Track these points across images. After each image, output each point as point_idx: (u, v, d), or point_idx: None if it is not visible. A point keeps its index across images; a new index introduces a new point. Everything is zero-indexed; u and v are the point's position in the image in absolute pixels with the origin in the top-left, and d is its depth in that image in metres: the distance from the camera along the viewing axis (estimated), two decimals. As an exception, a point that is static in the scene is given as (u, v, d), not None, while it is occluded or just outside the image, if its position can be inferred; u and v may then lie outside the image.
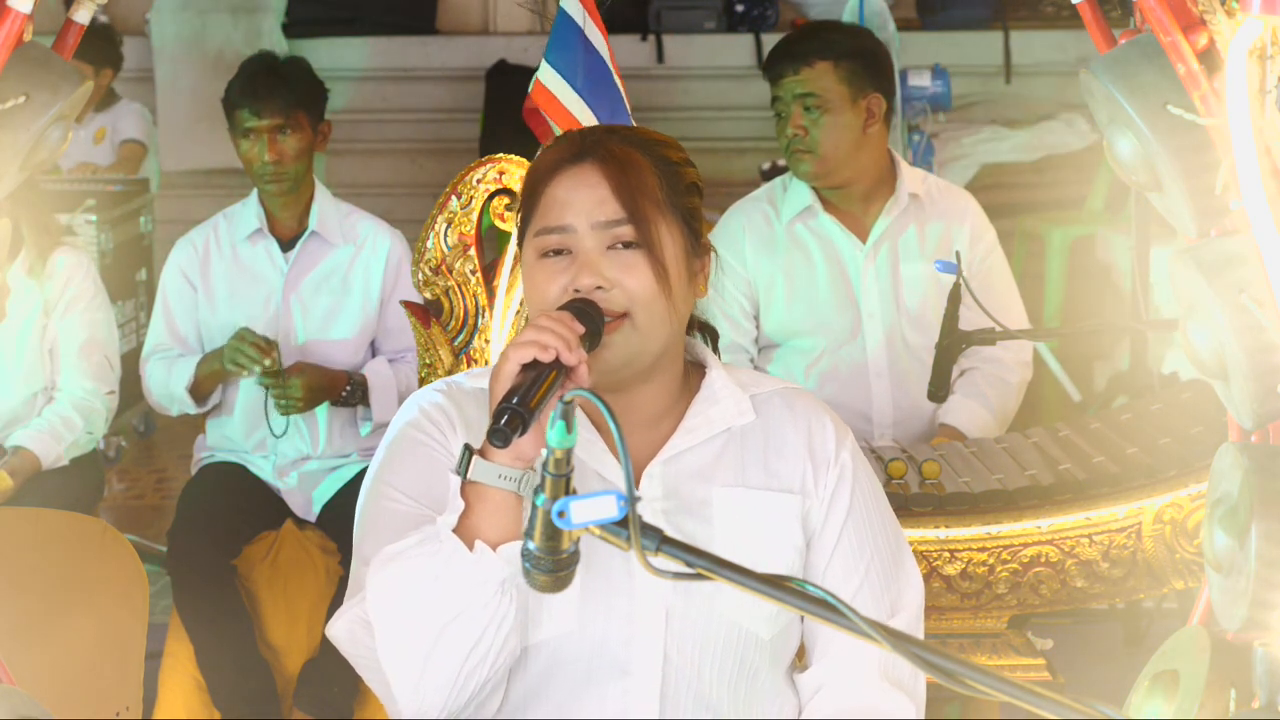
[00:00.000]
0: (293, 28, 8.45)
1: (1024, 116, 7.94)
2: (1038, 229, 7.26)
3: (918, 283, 3.79)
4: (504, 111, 8.02)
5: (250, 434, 4.18)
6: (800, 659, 2.19)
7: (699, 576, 1.60)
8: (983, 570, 3.00)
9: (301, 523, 4.13)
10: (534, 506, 1.72)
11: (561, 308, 1.99)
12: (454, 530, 1.92)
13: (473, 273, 3.02)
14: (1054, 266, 7.07)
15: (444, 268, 3.01)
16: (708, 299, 3.90)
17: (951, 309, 3.21)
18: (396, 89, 8.51)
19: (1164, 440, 3.14)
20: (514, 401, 1.85)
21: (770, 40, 7.47)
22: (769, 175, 6.67)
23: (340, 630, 2.00)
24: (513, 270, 2.99)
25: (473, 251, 3.01)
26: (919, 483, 3.07)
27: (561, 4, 3.27)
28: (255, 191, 4.21)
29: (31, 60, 2.13)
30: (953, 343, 3.21)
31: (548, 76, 3.20)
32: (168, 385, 4.15)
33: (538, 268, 2.07)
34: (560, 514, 1.58)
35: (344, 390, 4.12)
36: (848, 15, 5.83)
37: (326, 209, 4.22)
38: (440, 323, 3.03)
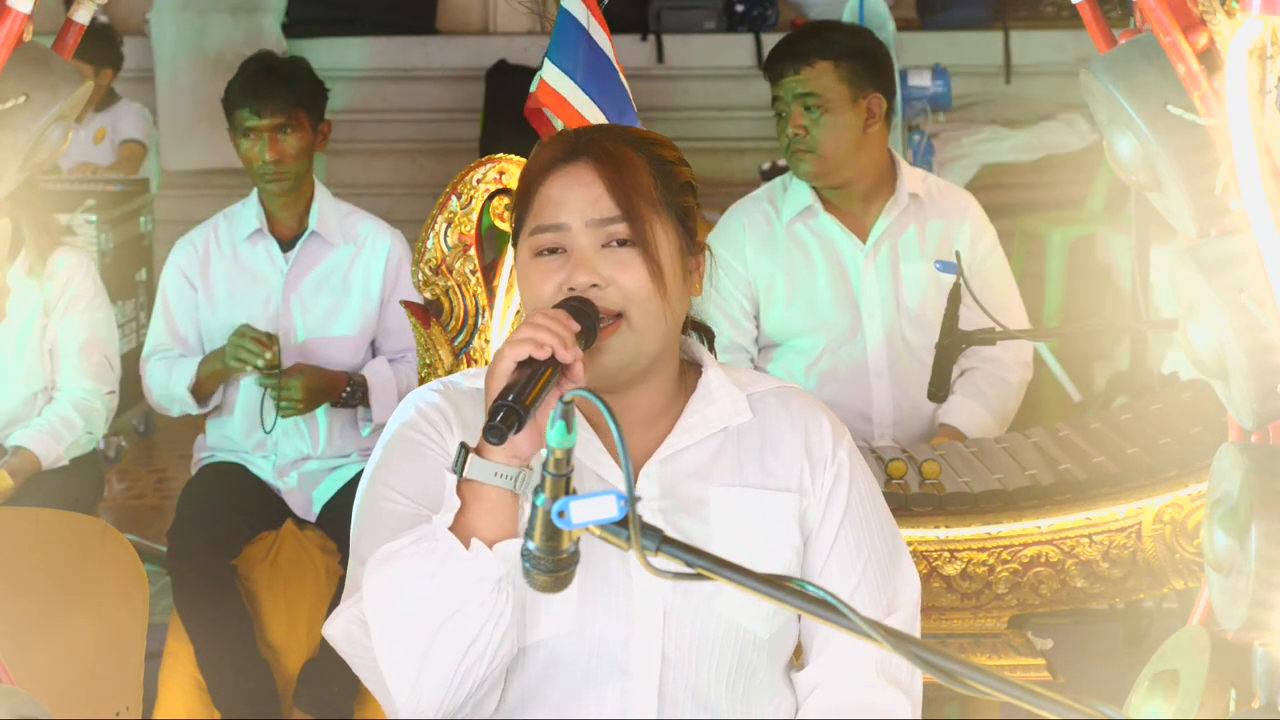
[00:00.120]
0: (293, 28, 8.45)
1: (1024, 116, 7.94)
2: (1038, 229, 7.26)
3: (918, 282, 3.79)
4: (504, 111, 8.02)
5: (250, 434, 4.18)
6: (798, 658, 2.19)
7: (699, 576, 1.60)
8: (983, 570, 3.00)
9: (301, 523, 4.13)
10: (534, 506, 1.72)
11: (557, 306, 1.99)
12: (450, 528, 1.92)
13: (473, 273, 3.02)
14: (1054, 266, 7.07)
15: (444, 268, 3.01)
16: (708, 299, 3.91)
17: (951, 309, 3.21)
18: (396, 89, 8.51)
19: (1164, 440, 3.14)
20: (510, 399, 1.85)
21: (770, 40, 7.47)
22: (769, 175, 6.68)
23: (337, 630, 2.00)
24: (513, 270, 2.99)
25: (473, 251, 3.01)
26: (919, 483, 3.07)
27: (563, 4, 3.27)
28: (255, 191, 4.21)
29: (31, 60, 2.13)
30: (953, 343, 3.21)
31: (553, 76, 3.19)
32: (168, 385, 4.15)
33: (532, 267, 2.07)
34: (560, 514, 1.58)
35: (344, 391, 4.12)
36: (848, 15, 5.83)
37: (326, 209, 4.22)
38: (440, 323, 3.03)
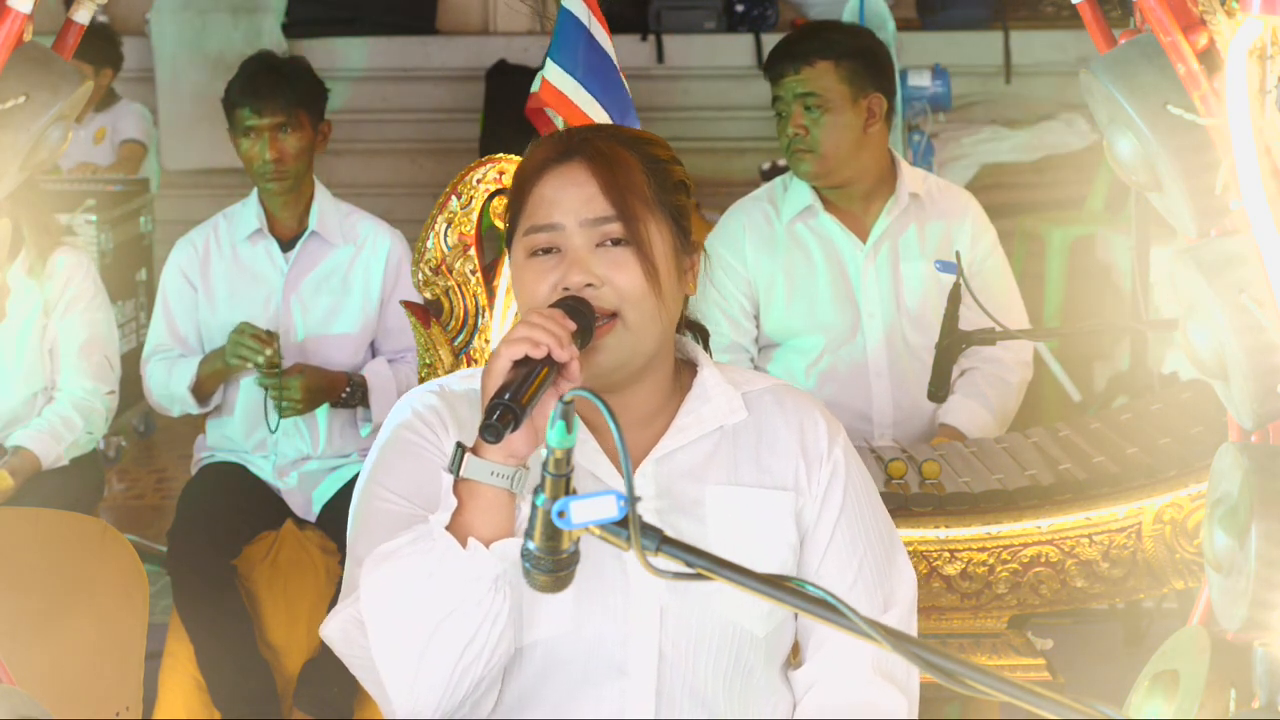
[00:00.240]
0: (293, 28, 8.45)
1: (1024, 116, 7.95)
2: (1038, 229, 7.26)
3: (918, 282, 3.79)
4: (504, 111, 8.02)
5: (250, 434, 4.18)
6: (795, 656, 2.19)
7: (699, 576, 1.60)
8: (983, 570, 3.00)
9: (301, 523, 4.13)
10: (534, 506, 1.72)
11: (553, 305, 1.99)
12: (447, 528, 1.92)
13: (473, 273, 3.02)
14: (1054, 266, 7.07)
15: (444, 268, 3.01)
16: (708, 298, 3.91)
17: (951, 309, 3.21)
18: (396, 89, 8.51)
19: (1164, 440, 3.14)
20: (506, 397, 1.85)
21: (770, 40, 7.47)
22: (769, 175, 6.67)
23: (334, 631, 2.00)
24: (513, 270, 2.99)
25: (473, 251, 3.01)
26: (919, 483, 3.07)
27: (564, 3, 3.27)
28: (255, 191, 4.21)
29: (31, 60, 2.13)
30: (953, 343, 3.21)
31: (555, 75, 3.19)
32: (169, 385, 4.15)
33: (527, 267, 2.07)
34: (560, 514, 1.58)
35: (344, 391, 4.12)
36: (848, 15, 5.83)
37: (326, 209, 4.22)
38: (440, 323, 3.03)
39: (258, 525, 4.08)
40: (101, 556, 2.91)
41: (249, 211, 4.21)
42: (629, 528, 1.57)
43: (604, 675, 2.05)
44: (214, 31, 8.30)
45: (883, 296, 3.80)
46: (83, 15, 2.22)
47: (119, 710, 2.82)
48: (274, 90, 4.10)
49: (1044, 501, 3.02)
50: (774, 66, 3.81)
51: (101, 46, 6.91)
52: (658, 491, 2.08)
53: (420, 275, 3.03)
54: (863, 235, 3.83)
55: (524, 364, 1.89)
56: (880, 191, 3.84)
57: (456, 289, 3.01)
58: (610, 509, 1.56)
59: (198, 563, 3.94)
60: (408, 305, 3.08)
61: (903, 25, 7.27)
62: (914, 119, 6.58)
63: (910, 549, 2.95)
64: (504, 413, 1.84)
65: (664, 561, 1.60)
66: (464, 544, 1.91)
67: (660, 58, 8.41)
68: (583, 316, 1.98)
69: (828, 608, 1.54)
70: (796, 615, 2.13)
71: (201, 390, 4.14)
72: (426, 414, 2.10)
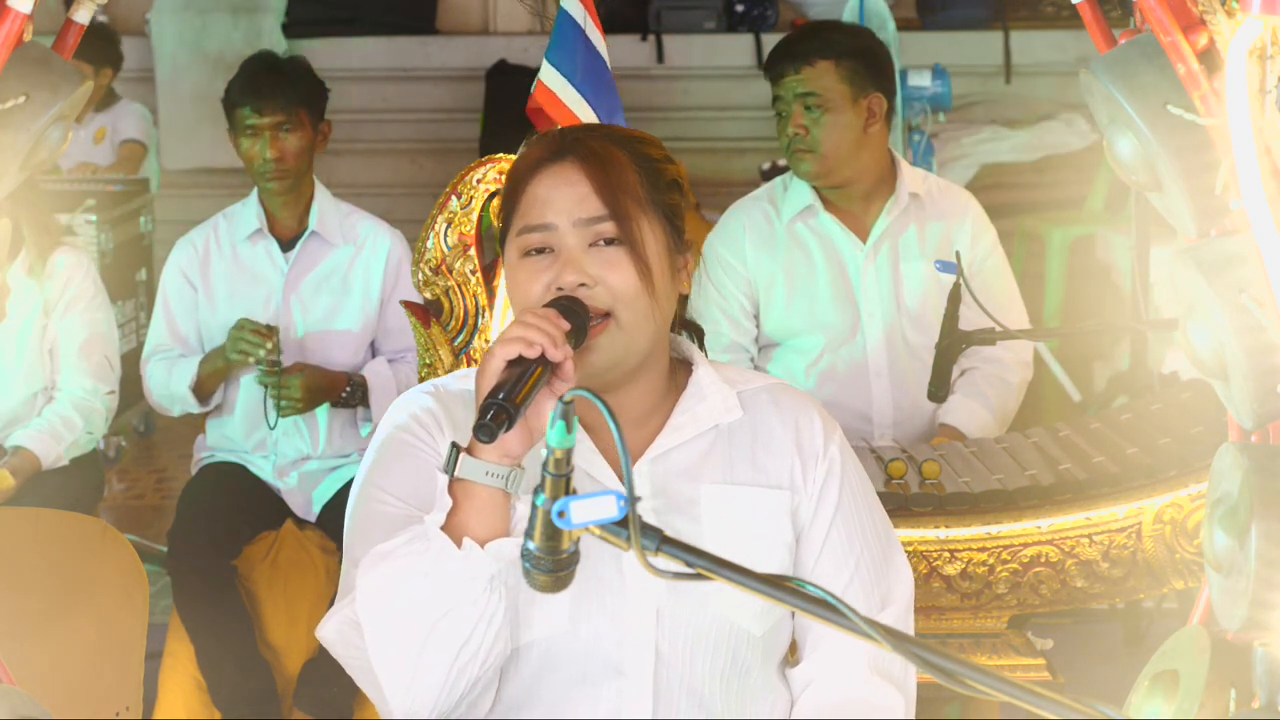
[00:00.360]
0: (293, 28, 8.45)
1: (1024, 116, 7.95)
2: (1038, 229, 7.26)
3: (918, 282, 3.79)
4: (504, 111, 8.02)
5: (250, 434, 4.18)
6: (793, 654, 2.19)
7: (699, 576, 1.60)
8: (983, 570, 3.00)
9: (301, 523, 4.13)
10: (534, 506, 1.72)
11: (547, 305, 1.99)
12: (442, 528, 1.92)
13: (473, 273, 3.02)
14: (1054, 266, 7.07)
15: (444, 268, 3.01)
16: (708, 298, 3.91)
17: (951, 309, 3.21)
18: (396, 89, 8.51)
19: (1164, 440, 3.14)
20: (500, 397, 1.85)
21: (770, 40, 7.47)
22: (769, 175, 6.67)
23: (330, 632, 2.00)
24: (513, 270, 2.98)
25: (473, 251, 3.01)
26: (919, 483, 3.07)
27: (562, 4, 3.27)
28: (255, 191, 4.21)
29: (31, 60, 2.13)
30: (953, 343, 3.21)
31: (550, 76, 3.20)
32: (169, 385, 4.15)
33: (521, 267, 2.07)
34: (560, 514, 1.58)
35: (344, 391, 4.12)
36: (848, 15, 5.84)
37: (326, 209, 4.22)
38: (440, 323, 3.03)
39: (258, 525, 4.09)
40: (101, 556, 2.91)
41: (249, 211, 4.22)
42: (629, 528, 1.57)
43: (601, 675, 2.05)
44: (214, 31, 8.30)
45: (883, 296, 3.80)
46: (83, 15, 2.22)
47: (119, 710, 2.82)
48: (275, 89, 4.10)
49: (1044, 501, 3.02)
50: (774, 66, 3.81)
51: (101, 46, 6.91)
52: (653, 491, 2.08)
53: (420, 275, 3.03)
54: (863, 235, 3.83)
55: (518, 364, 1.90)
56: (880, 191, 3.84)
57: (456, 289, 3.01)
58: (610, 509, 1.56)
59: (198, 563, 3.94)
60: (408, 305, 3.07)
61: (903, 25, 7.27)
62: (914, 119, 6.58)
63: (910, 549, 2.96)
64: (498, 412, 1.84)
65: (664, 561, 1.60)
66: (459, 544, 1.91)
67: (660, 58, 8.41)
68: (577, 316, 1.98)
69: (828, 608, 1.54)
70: (794, 614, 2.13)
71: (202, 389, 4.14)
72: (422, 415, 2.10)
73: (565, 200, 2.05)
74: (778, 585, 1.57)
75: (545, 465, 1.69)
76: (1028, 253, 7.19)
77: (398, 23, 8.62)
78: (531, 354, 1.90)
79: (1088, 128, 7.72)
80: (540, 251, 2.06)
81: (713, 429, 2.13)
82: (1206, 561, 2.12)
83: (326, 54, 7.92)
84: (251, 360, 4.02)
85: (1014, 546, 3.00)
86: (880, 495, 2.23)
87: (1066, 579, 3.00)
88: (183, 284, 4.21)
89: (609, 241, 2.04)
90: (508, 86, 8.11)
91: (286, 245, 4.20)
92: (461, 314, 3.02)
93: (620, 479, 2.08)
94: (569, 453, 1.69)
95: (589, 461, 2.08)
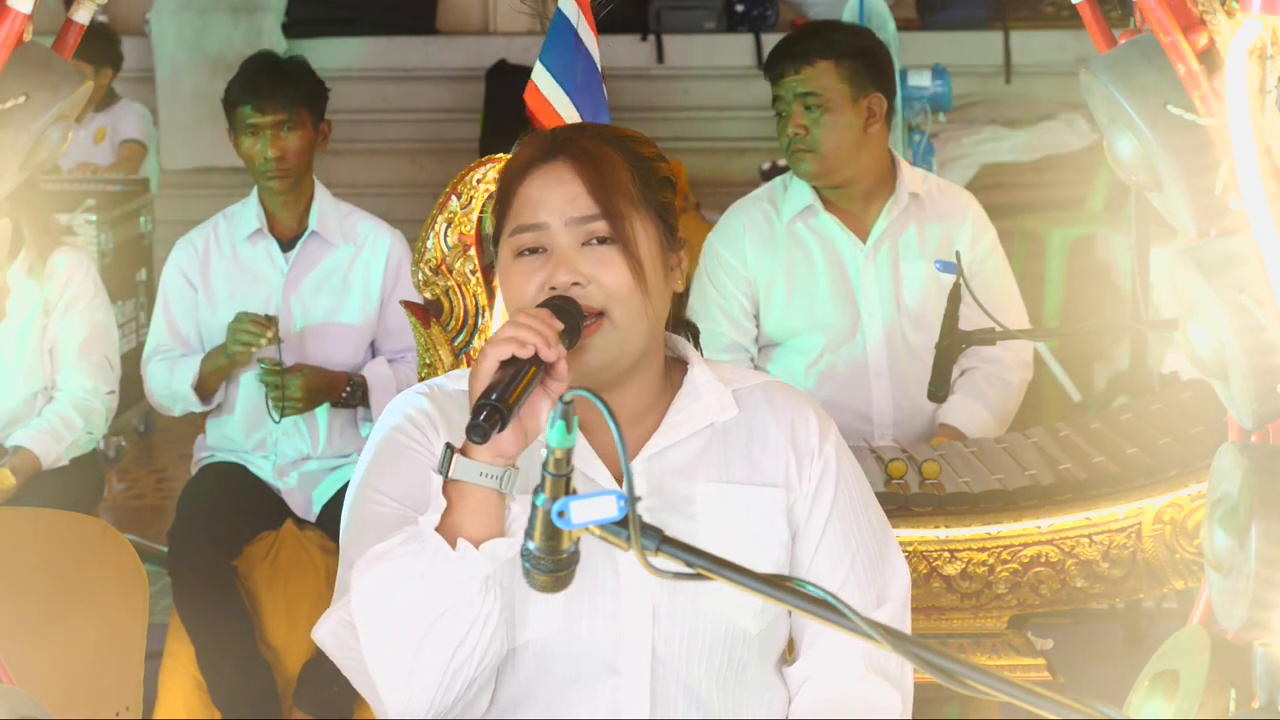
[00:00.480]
0: (293, 28, 8.45)
1: (1024, 116, 7.95)
2: (1038, 229, 7.26)
3: (918, 282, 3.79)
4: (504, 111, 8.02)
5: (250, 434, 4.18)
6: (791, 652, 2.19)
7: (699, 576, 1.60)
8: (983, 570, 3.00)
9: (301, 523, 4.13)
10: (534, 506, 1.72)
11: (540, 305, 1.99)
12: (437, 529, 1.91)
13: (473, 273, 3.02)
14: (1054, 266, 7.07)
15: (444, 268, 3.01)
16: (708, 298, 3.91)
17: (951, 309, 3.21)
18: (396, 89, 8.51)
19: (1164, 440, 3.14)
20: (493, 398, 1.85)
21: (770, 40, 7.47)
22: (769, 175, 6.67)
23: (326, 634, 2.00)
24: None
25: (473, 251, 3.01)
26: (919, 483, 3.07)
27: (560, 4, 3.27)
28: (255, 191, 4.21)
29: (31, 60, 2.13)
30: (953, 343, 3.21)
31: (541, 79, 3.20)
32: (171, 385, 4.15)
33: (514, 267, 2.07)
34: (560, 514, 1.58)
35: (344, 391, 4.12)
36: (848, 15, 5.84)
37: (326, 209, 4.22)
38: (440, 323, 3.02)
39: (258, 525, 4.08)
40: (101, 556, 2.91)
41: (249, 211, 4.22)
42: (629, 528, 1.57)
43: (597, 675, 2.05)
44: (214, 31, 8.30)
45: (883, 296, 3.80)
46: (83, 15, 2.22)
47: (119, 710, 2.82)
48: (275, 88, 4.10)
49: (1044, 501, 3.02)
50: (774, 66, 3.81)
51: (101, 46, 6.91)
52: (648, 489, 2.08)
53: (420, 275, 3.03)
54: (863, 235, 3.83)
55: (511, 364, 1.89)
56: (880, 191, 3.84)
57: (456, 289, 3.01)
58: (610, 509, 1.56)
59: (198, 563, 3.94)
60: (408, 305, 3.07)
61: (903, 25, 7.27)
62: (914, 119, 6.58)
63: (910, 549, 2.96)
64: (490, 413, 1.84)
65: (663, 561, 1.60)
66: (454, 545, 1.91)
67: (660, 58, 8.41)
68: (570, 316, 1.98)
69: (828, 608, 1.54)
70: (790, 612, 2.13)
71: (204, 388, 4.14)
72: (417, 416, 2.10)
73: (557, 199, 2.05)
74: (778, 585, 1.57)
75: (545, 465, 1.69)
76: (1028, 253, 7.19)
77: (398, 23, 8.62)
78: (524, 354, 1.89)
79: (1088, 128, 7.72)
80: (533, 251, 2.06)
81: (708, 427, 2.13)
82: (1206, 561, 2.12)
83: (326, 54, 7.92)
84: (253, 351, 4.02)
85: (1014, 546, 3.00)
86: (880, 495, 2.23)
87: (1066, 579, 3.00)
88: (183, 284, 4.21)
89: (601, 240, 2.04)
90: (508, 86, 8.11)
91: (286, 245, 4.20)
92: (461, 314, 3.02)
93: (615, 478, 2.08)
94: (569, 453, 1.69)
95: (584, 461, 2.08)
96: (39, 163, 2.16)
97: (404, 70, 8.51)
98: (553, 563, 1.74)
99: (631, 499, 1.56)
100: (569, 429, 1.67)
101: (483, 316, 3.02)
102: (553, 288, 2.02)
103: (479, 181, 3.01)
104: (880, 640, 1.51)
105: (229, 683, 3.92)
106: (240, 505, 4.09)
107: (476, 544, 1.91)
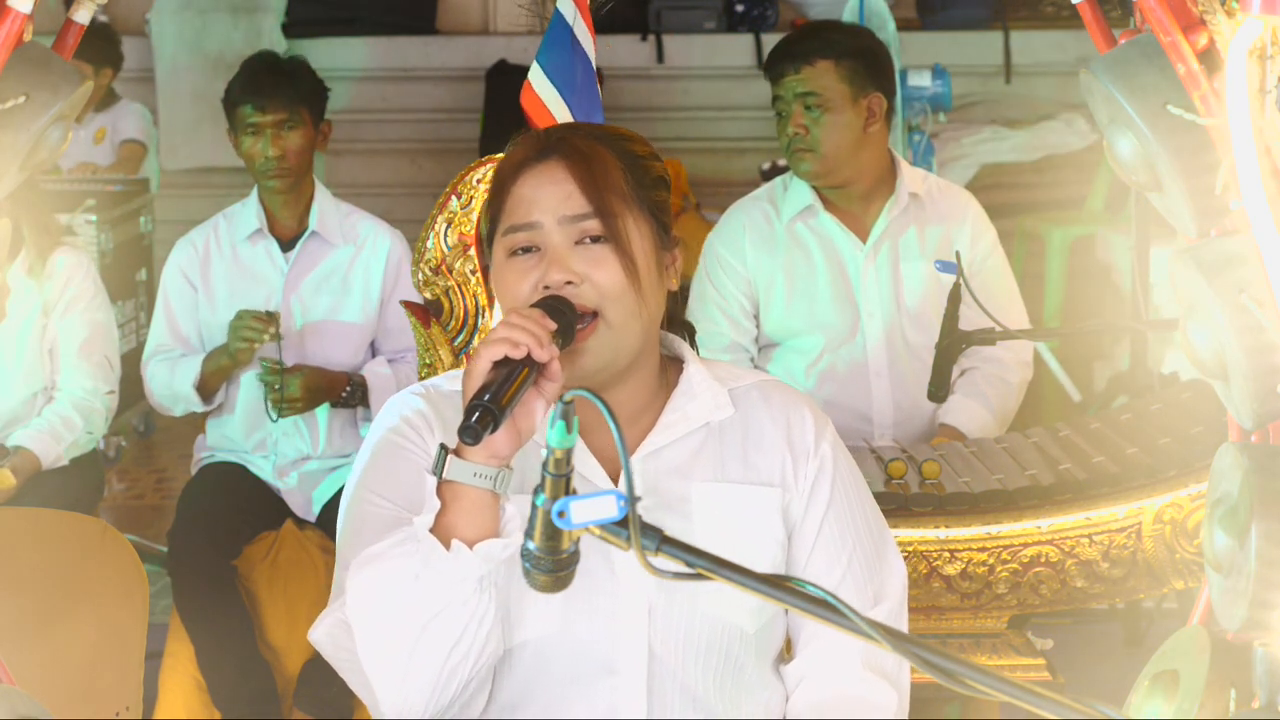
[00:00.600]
0: (293, 28, 8.45)
1: (1024, 116, 7.95)
2: (1038, 229, 7.26)
3: (918, 282, 3.79)
4: (504, 111, 8.02)
5: (250, 434, 4.18)
6: (789, 651, 2.19)
7: (699, 576, 1.60)
8: (983, 570, 3.00)
9: (301, 523, 4.13)
10: (534, 506, 1.72)
11: (534, 305, 1.99)
12: (431, 530, 1.91)
13: (473, 273, 3.02)
14: (1054, 266, 7.07)
15: (444, 268, 3.01)
16: (708, 298, 3.90)
17: (951, 309, 3.21)
18: (396, 89, 8.51)
19: (1164, 440, 3.14)
20: (485, 399, 1.85)
21: (770, 40, 7.47)
22: (769, 175, 6.67)
23: (321, 634, 2.00)
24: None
25: (473, 251, 3.01)
26: (919, 483, 3.07)
27: (558, 4, 3.26)
28: (255, 191, 4.21)
29: (31, 60, 2.13)
30: (953, 343, 3.21)
31: (537, 79, 3.19)
32: (172, 385, 4.15)
33: (508, 267, 2.07)
34: (560, 514, 1.58)
35: (344, 391, 4.12)
36: (848, 15, 5.84)
37: (327, 209, 4.22)
38: (440, 323, 3.02)
39: (258, 525, 4.09)
40: (101, 556, 2.91)
41: (249, 211, 4.22)
42: (629, 528, 1.57)
43: (594, 675, 2.05)
44: (214, 31, 8.30)
45: (882, 296, 3.81)
46: (83, 15, 2.22)
47: (119, 710, 2.82)
48: (276, 88, 4.10)
49: (1044, 501, 3.02)
50: (774, 66, 3.81)
51: (101, 46, 6.91)
52: (644, 489, 2.08)
53: (420, 275, 3.03)
54: (863, 235, 3.83)
55: (504, 365, 1.89)
56: (880, 191, 3.84)
57: (456, 289, 3.01)
58: (610, 509, 1.57)
59: (198, 563, 3.94)
60: (408, 305, 3.07)
61: (903, 25, 7.27)
62: (914, 119, 6.58)
63: (910, 549, 2.96)
64: (482, 414, 1.84)
65: (663, 561, 1.60)
66: (448, 546, 1.90)
67: (660, 58, 8.40)
68: (563, 316, 1.98)
69: (828, 608, 1.54)
70: (787, 610, 2.13)
71: (206, 388, 4.14)
72: (413, 417, 2.10)
73: (550, 199, 2.05)
74: (777, 585, 1.57)
75: (545, 465, 1.69)
76: (1028, 253, 7.19)
77: (398, 23, 8.61)
78: (517, 355, 1.89)
79: (1088, 128, 7.72)
80: (526, 251, 2.06)
81: (704, 427, 2.13)
82: (1206, 561, 2.12)
83: (326, 54, 7.91)
84: (256, 348, 4.02)
85: (1014, 546, 3.00)
86: (880, 495, 2.23)
87: (1066, 579, 3.00)
88: (183, 284, 4.21)
89: (595, 239, 2.04)
90: (508, 86, 8.10)
91: (286, 245, 4.21)
92: (461, 314, 3.02)
93: (611, 478, 2.08)
94: (569, 453, 1.69)
95: (580, 461, 2.08)
96: (39, 163, 2.16)
97: (404, 70, 8.51)
98: (553, 563, 1.74)
99: (632, 499, 1.56)
100: (569, 429, 1.67)
101: (483, 316, 3.02)
102: (546, 287, 2.02)
103: (479, 181, 3.01)
104: (880, 640, 1.51)
105: (229, 683, 3.92)
106: (240, 505, 4.09)
107: (470, 544, 1.91)
